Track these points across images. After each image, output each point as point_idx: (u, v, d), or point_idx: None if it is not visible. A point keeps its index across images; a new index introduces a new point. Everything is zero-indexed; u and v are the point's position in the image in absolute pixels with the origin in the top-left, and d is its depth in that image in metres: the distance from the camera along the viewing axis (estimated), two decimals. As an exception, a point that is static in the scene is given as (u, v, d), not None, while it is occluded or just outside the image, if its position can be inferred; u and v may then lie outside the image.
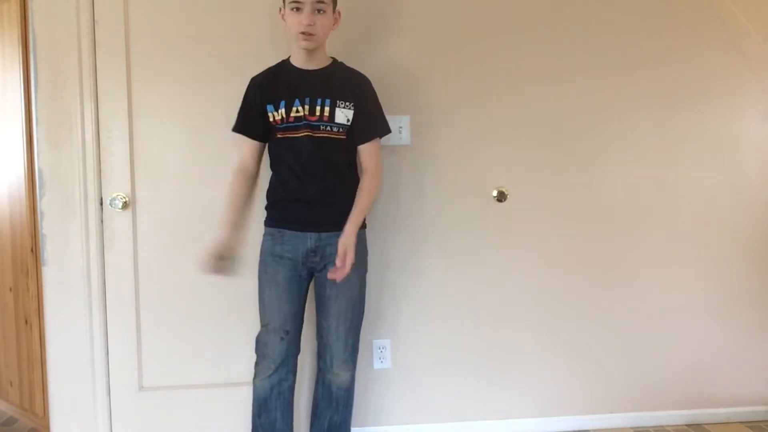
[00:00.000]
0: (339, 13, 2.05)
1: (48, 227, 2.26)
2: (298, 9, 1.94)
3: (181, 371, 2.36)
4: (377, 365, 2.44)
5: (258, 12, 2.30)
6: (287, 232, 2.04)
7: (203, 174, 2.32)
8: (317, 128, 2.01)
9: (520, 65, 2.43)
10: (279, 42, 2.28)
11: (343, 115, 2.02)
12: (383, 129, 2.12)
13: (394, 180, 2.39)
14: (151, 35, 2.28)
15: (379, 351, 2.44)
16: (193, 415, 2.37)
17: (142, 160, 2.30)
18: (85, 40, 2.24)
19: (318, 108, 2.00)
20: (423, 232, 2.43)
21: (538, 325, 2.50)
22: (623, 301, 2.52)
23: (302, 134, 2.01)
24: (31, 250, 2.49)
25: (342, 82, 2.06)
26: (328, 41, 2.07)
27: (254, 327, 2.28)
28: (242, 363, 2.33)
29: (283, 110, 2.01)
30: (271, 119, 2.03)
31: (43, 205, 2.26)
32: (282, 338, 2.04)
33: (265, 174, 2.14)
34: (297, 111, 2.00)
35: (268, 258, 2.07)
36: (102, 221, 2.29)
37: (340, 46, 2.29)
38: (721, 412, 2.57)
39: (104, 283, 2.30)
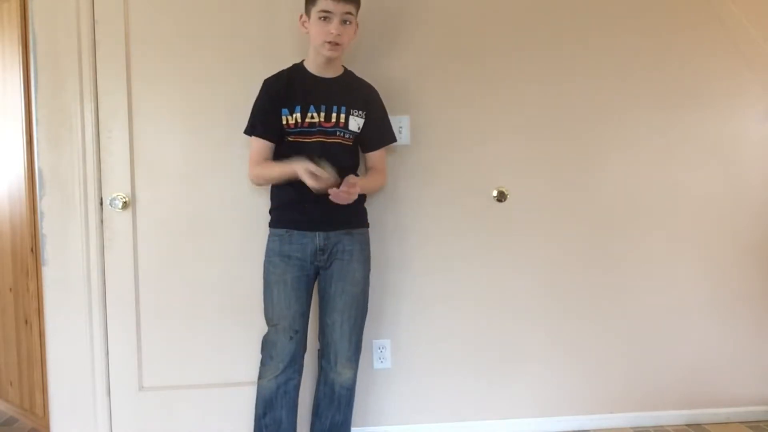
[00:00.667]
0: (357, 24, 2.07)
1: (48, 227, 2.26)
2: (326, 18, 1.96)
3: (181, 371, 2.36)
4: (377, 365, 2.44)
5: (258, 12, 2.30)
6: (295, 231, 2.06)
7: (203, 174, 2.32)
8: (332, 134, 2.05)
9: (520, 65, 2.43)
10: (279, 42, 2.29)
11: (355, 123, 2.09)
12: (391, 138, 2.22)
13: (394, 180, 2.39)
14: (151, 35, 2.28)
15: (379, 351, 2.44)
16: (193, 415, 2.36)
17: (142, 160, 2.30)
18: (85, 40, 2.24)
19: (334, 115, 2.05)
20: (423, 232, 2.43)
21: (538, 325, 2.49)
22: (623, 300, 2.52)
23: (313, 139, 2.04)
24: (31, 250, 2.49)
25: (355, 91, 2.12)
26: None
27: (254, 327, 2.29)
28: (242, 363, 2.33)
29: (298, 114, 2.03)
30: (284, 122, 2.05)
31: (43, 205, 2.26)
32: (291, 338, 2.05)
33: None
34: (312, 117, 2.03)
35: (275, 258, 2.07)
36: (102, 221, 2.29)
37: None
38: (721, 412, 2.57)
39: (104, 283, 2.30)
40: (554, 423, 2.52)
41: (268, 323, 2.09)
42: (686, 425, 2.55)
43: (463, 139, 2.42)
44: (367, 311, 2.16)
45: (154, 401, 2.35)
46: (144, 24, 2.27)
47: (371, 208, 2.25)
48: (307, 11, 2.02)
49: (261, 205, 2.24)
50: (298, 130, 2.04)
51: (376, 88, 2.19)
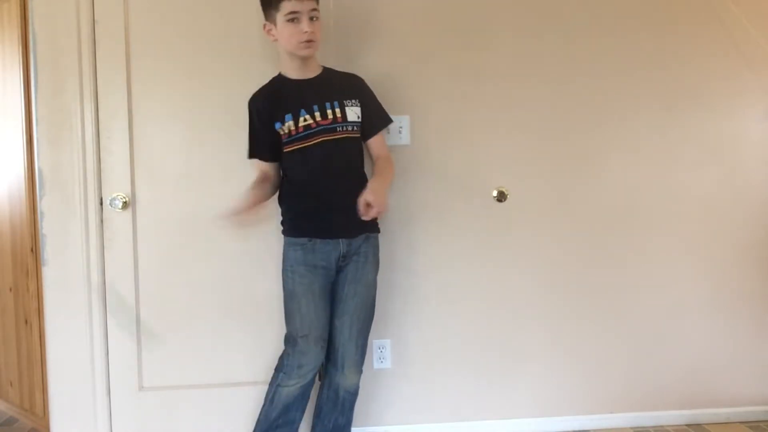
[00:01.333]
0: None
1: (48, 227, 2.26)
2: (295, 20, 1.95)
3: (181, 371, 2.36)
4: (377, 365, 2.44)
5: (258, 12, 2.29)
6: (318, 240, 2.04)
7: (203, 174, 2.32)
8: (334, 130, 2.03)
9: (520, 65, 2.43)
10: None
11: (353, 112, 2.07)
12: (387, 120, 2.19)
13: (394, 180, 2.38)
14: (151, 35, 2.28)
15: (379, 351, 2.44)
16: (193, 415, 2.36)
17: (142, 160, 2.30)
18: (85, 40, 2.24)
19: (329, 111, 2.03)
20: (423, 232, 2.43)
21: (538, 325, 2.49)
22: (623, 300, 2.52)
23: (315, 141, 2.02)
24: (31, 250, 2.49)
25: (340, 83, 2.11)
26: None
27: (253, 327, 2.29)
28: (242, 363, 2.33)
29: (290, 123, 2.03)
30: (282, 134, 2.05)
31: (43, 205, 2.26)
32: (322, 347, 2.06)
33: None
34: (305, 120, 2.02)
35: (301, 268, 2.04)
36: (102, 221, 2.29)
37: (340, 48, 2.30)
38: (721, 412, 2.57)
39: (104, 283, 2.30)
40: (554, 423, 2.51)
41: (294, 333, 2.05)
42: (686, 425, 2.55)
43: (462, 139, 2.42)
44: (373, 317, 2.16)
45: (154, 401, 2.35)
46: (144, 24, 2.27)
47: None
48: (271, 18, 2.00)
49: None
50: (296, 137, 2.02)
51: (377, 88, 2.19)
